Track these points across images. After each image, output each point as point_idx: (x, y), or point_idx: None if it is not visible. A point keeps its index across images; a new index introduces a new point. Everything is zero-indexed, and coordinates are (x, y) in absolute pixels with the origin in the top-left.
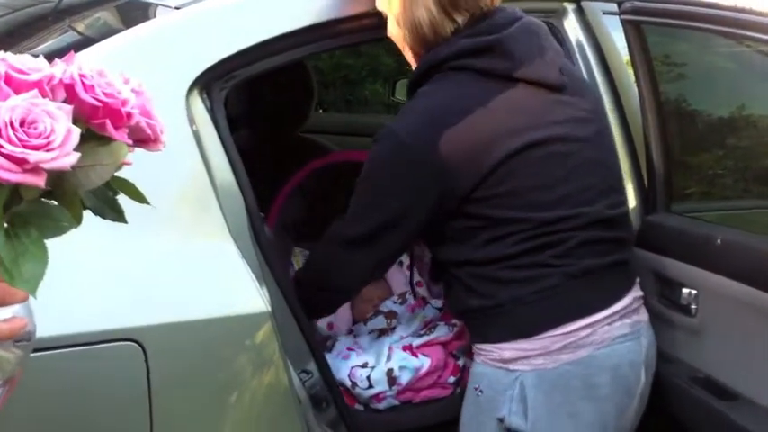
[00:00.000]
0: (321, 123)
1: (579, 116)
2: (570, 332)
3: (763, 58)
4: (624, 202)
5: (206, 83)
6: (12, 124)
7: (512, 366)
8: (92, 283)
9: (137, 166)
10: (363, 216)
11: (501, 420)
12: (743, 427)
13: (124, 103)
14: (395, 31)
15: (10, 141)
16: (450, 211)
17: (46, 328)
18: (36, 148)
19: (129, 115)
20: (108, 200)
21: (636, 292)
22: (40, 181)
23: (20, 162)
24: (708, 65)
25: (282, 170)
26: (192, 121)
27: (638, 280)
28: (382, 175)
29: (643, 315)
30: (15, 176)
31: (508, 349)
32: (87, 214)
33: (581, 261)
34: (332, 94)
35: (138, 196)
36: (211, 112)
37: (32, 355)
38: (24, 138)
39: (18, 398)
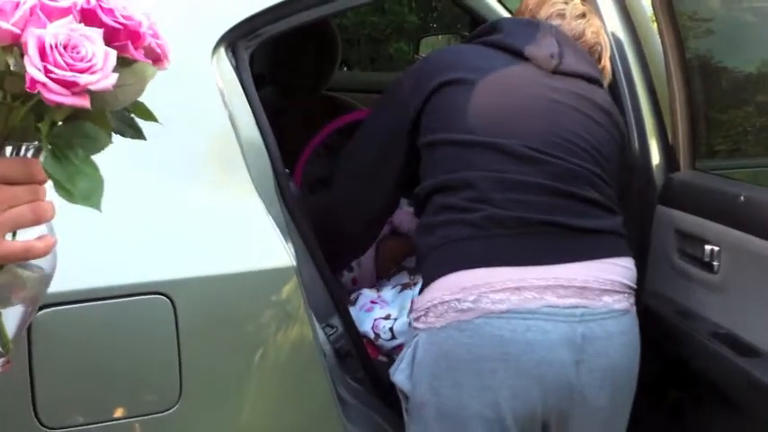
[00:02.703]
0: (345, 81)
1: (555, 87)
2: (453, 287)
3: None
4: (589, 165)
5: (231, 41)
6: (58, 49)
7: (415, 323)
8: (122, 238)
9: (164, 122)
10: (361, 146)
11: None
12: (765, 383)
13: (140, 24)
14: None
15: (58, 66)
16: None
17: (78, 281)
18: (82, 71)
19: (144, 36)
20: (126, 119)
21: (596, 270)
22: (86, 102)
23: (69, 85)
24: (735, 20)
25: (307, 127)
26: (217, 79)
27: (618, 262)
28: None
29: (595, 301)
30: (66, 99)
31: (417, 302)
32: (115, 173)
33: (491, 209)
34: (356, 52)
35: (147, 115)
36: (237, 70)
37: (66, 306)
38: (71, 62)
39: (53, 348)
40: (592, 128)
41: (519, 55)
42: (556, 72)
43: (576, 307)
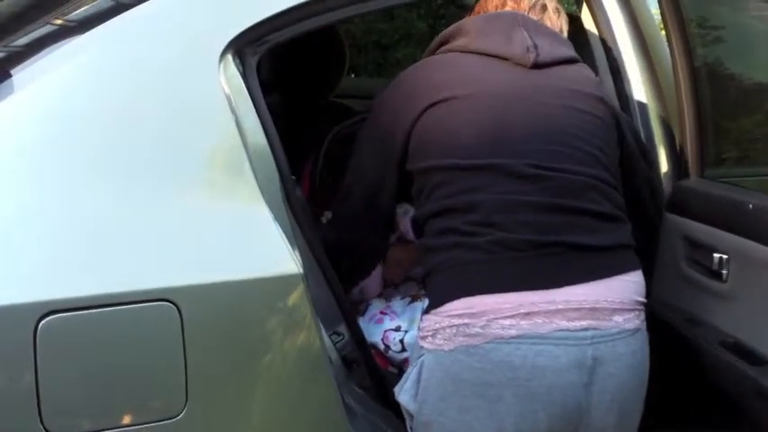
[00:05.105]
0: (353, 88)
1: (540, 85)
2: (463, 312)
3: None
4: (593, 170)
5: (239, 48)
6: None
7: (421, 342)
8: (128, 244)
9: (171, 130)
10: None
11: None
12: None
13: None
14: None
15: None
16: (405, 169)
17: (85, 287)
18: None
19: None
20: None
21: (606, 290)
22: None
23: None
24: (743, 28)
25: (314, 134)
26: (224, 85)
27: (628, 278)
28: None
29: (605, 322)
30: None
31: (424, 322)
32: (122, 179)
33: (498, 232)
34: (364, 59)
35: None
36: (244, 77)
37: (72, 313)
38: None
39: (59, 354)
40: (588, 122)
41: (494, 56)
42: (535, 66)
43: (587, 329)
